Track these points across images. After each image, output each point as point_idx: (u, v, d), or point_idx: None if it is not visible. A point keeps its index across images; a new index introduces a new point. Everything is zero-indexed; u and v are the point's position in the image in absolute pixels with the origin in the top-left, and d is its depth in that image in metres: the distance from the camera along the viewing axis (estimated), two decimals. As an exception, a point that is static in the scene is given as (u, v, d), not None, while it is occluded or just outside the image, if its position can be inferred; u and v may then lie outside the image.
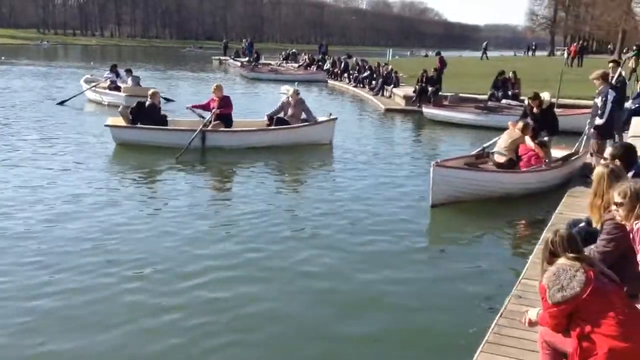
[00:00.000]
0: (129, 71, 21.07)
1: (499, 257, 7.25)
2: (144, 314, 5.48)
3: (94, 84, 20.84)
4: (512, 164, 9.52)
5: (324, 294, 6.03)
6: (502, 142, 9.73)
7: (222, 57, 54.64)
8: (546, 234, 3.41)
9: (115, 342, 4.97)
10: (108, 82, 20.55)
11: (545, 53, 75.00)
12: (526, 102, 10.50)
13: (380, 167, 12.09)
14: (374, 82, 26.40)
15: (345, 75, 32.38)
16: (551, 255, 3.29)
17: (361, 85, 28.10)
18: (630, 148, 5.04)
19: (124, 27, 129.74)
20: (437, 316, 5.58)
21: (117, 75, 20.89)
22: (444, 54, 34.08)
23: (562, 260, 3.20)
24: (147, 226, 7.89)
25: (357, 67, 30.41)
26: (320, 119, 13.79)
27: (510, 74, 19.91)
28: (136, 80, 20.10)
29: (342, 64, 34.07)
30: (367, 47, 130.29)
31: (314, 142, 13.51)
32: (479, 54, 58.14)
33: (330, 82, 32.86)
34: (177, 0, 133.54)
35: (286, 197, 9.82)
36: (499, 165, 9.61)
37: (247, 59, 44.85)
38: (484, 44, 59.50)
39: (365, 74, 28.27)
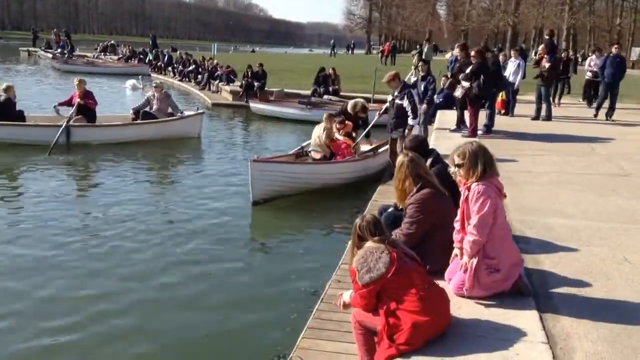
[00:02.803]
0: None
1: (321, 245, 7.55)
2: None
3: None
4: (328, 158, 9.86)
5: (145, 298, 5.81)
6: (315, 138, 10.06)
7: (31, 49, 49.68)
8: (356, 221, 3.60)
9: None
10: None
11: (364, 51, 79.69)
12: (351, 105, 10.66)
13: (211, 164, 11.97)
14: (199, 76, 25.93)
15: (170, 68, 31.38)
16: (359, 240, 3.47)
17: (187, 79, 27.44)
18: (423, 140, 5.60)
19: None
20: (261, 309, 5.63)
21: None
22: (269, 49, 34.68)
23: (368, 244, 3.39)
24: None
25: (182, 61, 29.62)
26: (187, 113, 13.89)
27: (330, 71, 20.81)
28: None
29: (166, 57, 32.97)
30: (193, 41, 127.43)
31: (183, 136, 13.60)
32: (304, 50, 60.27)
33: (154, 75, 31.57)
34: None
35: (137, 197, 9.31)
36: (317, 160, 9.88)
37: (59, 50, 41.29)
38: (332, 42, 62.58)
39: (191, 68, 27.66)
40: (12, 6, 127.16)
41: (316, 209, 8.93)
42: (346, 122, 10.18)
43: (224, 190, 9.88)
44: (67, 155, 11.58)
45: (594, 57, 16.53)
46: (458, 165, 3.86)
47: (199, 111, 14.42)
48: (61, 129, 11.79)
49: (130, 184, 10.07)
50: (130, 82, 25.24)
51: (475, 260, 3.82)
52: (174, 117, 13.52)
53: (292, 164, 9.57)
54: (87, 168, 11.12)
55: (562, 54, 17.76)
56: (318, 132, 10.01)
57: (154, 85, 14.03)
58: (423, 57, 27.04)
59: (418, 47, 38.55)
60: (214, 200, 9.27)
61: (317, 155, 9.95)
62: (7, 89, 12.31)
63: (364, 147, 10.78)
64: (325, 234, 8.11)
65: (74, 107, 12.44)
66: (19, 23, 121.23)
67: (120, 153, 11.95)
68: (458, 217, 4.01)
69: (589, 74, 16.47)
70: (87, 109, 12.57)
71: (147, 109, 13.39)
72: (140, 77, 21.96)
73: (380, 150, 10.66)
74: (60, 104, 12.85)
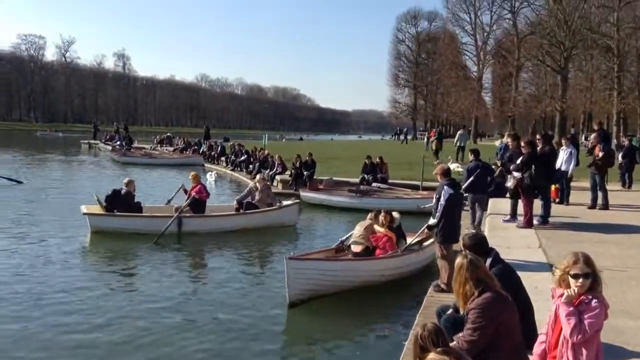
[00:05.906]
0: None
1: (374, 349, 7.07)
2: None
3: None
4: (368, 252, 9.38)
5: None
6: (356, 231, 9.69)
7: (91, 141, 52.54)
8: (415, 328, 3.50)
9: None
10: None
11: (410, 137, 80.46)
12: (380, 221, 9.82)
13: (257, 255, 12.04)
14: (251, 165, 26.68)
15: (223, 158, 32.48)
16: (421, 350, 3.37)
17: (239, 169, 28.25)
18: (482, 238, 5.37)
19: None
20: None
21: None
22: (316, 137, 35.58)
23: (432, 356, 3.29)
24: (120, 314, 7.85)
25: (234, 151, 30.64)
26: (285, 203, 14.66)
27: (377, 159, 21.04)
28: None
29: (219, 148, 34.23)
30: (245, 130, 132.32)
31: (281, 225, 14.28)
32: (350, 137, 61.33)
33: (207, 165, 32.72)
34: (44, 81, 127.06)
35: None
36: (356, 255, 9.42)
37: (118, 142, 43.58)
38: (405, 129, 64.09)
39: (243, 158, 28.55)
40: (75, 101, 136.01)
41: (361, 309, 8.34)
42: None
43: (263, 289, 9.41)
44: (178, 243, 12.46)
45: None
46: (585, 275, 3.56)
47: (296, 201, 15.27)
48: (172, 219, 12.59)
49: (222, 273, 10.33)
50: (210, 174, 27.33)
51: None
52: (273, 207, 14.28)
53: (329, 262, 9.00)
54: (193, 257, 11.90)
55: None
56: (359, 227, 9.69)
57: (258, 178, 15.44)
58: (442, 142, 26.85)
59: (436, 132, 36.00)
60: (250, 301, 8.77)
61: (357, 249, 9.47)
62: (129, 183, 13.45)
63: (408, 240, 9.92)
64: (376, 333, 7.60)
65: (189, 199, 13.33)
66: (80, 116, 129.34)
67: (224, 242, 12.66)
68: (546, 330, 3.82)
69: None
70: (199, 201, 13.44)
71: (249, 199, 14.27)
72: (215, 172, 26.19)
73: (425, 244, 10.06)
74: (185, 190, 13.75)
